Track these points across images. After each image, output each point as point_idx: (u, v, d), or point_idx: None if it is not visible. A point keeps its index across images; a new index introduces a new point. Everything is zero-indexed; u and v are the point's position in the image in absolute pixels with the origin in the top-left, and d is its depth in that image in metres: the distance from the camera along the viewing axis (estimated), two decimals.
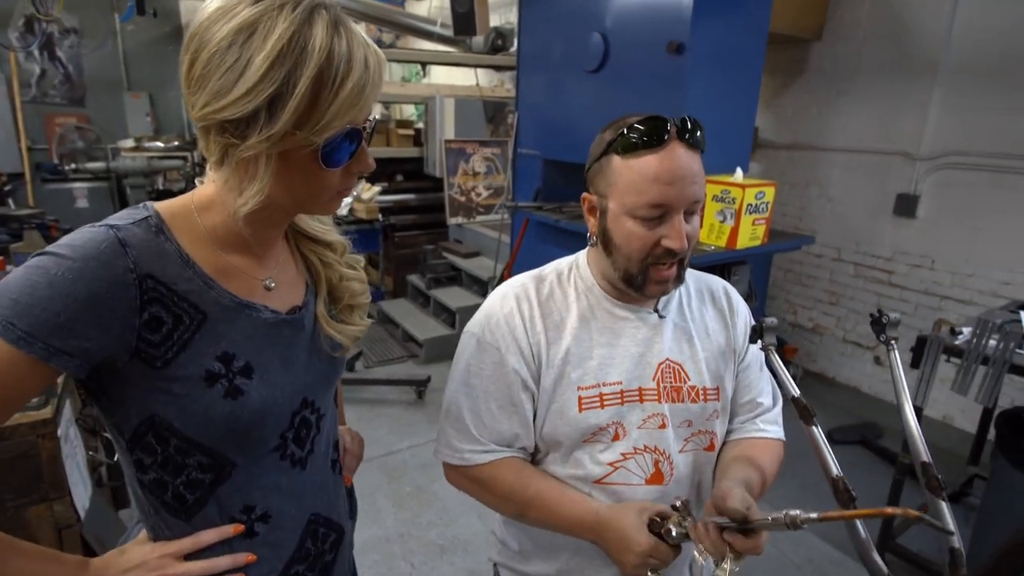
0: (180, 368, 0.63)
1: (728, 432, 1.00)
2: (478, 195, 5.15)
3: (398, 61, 6.26)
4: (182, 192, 0.69)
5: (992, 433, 2.30)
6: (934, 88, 3.17)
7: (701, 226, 2.20)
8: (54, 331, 0.56)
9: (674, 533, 0.76)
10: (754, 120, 2.91)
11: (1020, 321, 2.03)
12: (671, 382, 0.91)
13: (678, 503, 0.78)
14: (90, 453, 1.67)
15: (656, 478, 0.90)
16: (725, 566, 0.70)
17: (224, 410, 0.65)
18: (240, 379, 0.66)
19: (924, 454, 0.78)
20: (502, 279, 3.39)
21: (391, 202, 5.12)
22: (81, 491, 1.47)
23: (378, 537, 2.37)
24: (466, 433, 0.91)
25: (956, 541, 0.77)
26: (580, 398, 0.88)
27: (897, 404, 0.85)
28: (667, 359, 0.92)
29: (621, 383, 0.89)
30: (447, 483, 0.98)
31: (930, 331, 2.08)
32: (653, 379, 0.90)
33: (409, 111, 6.92)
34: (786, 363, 0.87)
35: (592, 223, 0.91)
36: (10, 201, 5.17)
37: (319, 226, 0.79)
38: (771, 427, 0.99)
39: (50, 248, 0.59)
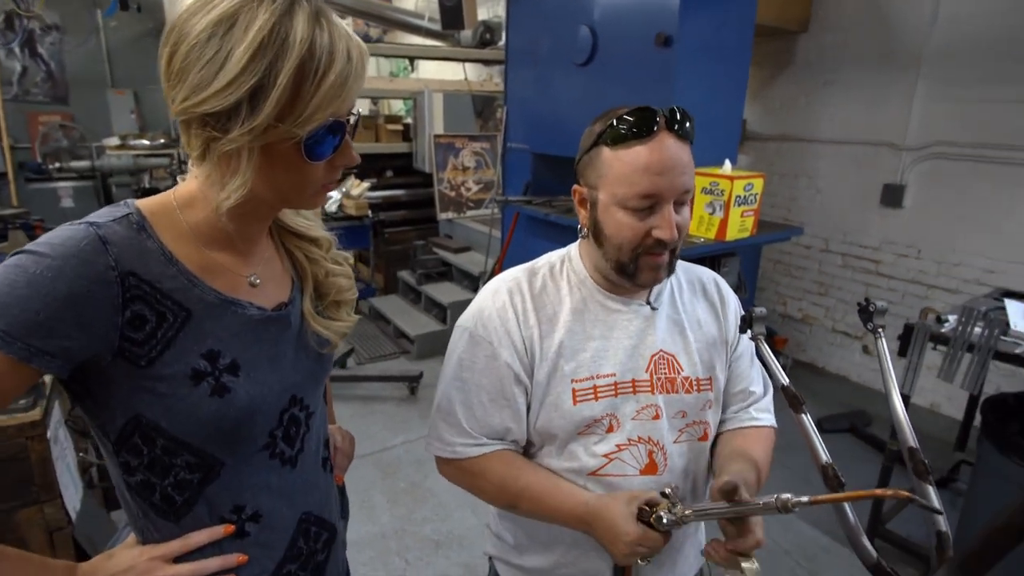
0: (165, 367, 0.62)
1: (722, 421, 1.01)
2: (468, 190, 5.14)
3: (386, 56, 6.21)
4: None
5: (978, 419, 2.33)
6: (919, 79, 3.20)
7: (691, 217, 2.20)
8: (34, 330, 0.55)
9: (664, 520, 0.77)
10: (742, 112, 2.92)
11: (1004, 308, 2.06)
12: (665, 373, 0.92)
13: (667, 490, 0.80)
14: (80, 454, 1.65)
15: (650, 469, 0.90)
16: (746, 566, 0.74)
17: (211, 408, 0.64)
18: (227, 377, 0.65)
19: (911, 440, 0.79)
20: (493, 274, 3.38)
21: (380, 198, 5.09)
22: (72, 493, 1.46)
23: (373, 534, 2.37)
24: (457, 427, 0.91)
25: (943, 524, 0.78)
26: (574, 390, 0.89)
27: (885, 392, 0.86)
28: (661, 350, 0.92)
29: (615, 375, 0.90)
30: (441, 478, 0.98)
31: (917, 319, 2.10)
32: (646, 371, 0.91)
33: (398, 106, 6.88)
34: (776, 354, 0.88)
35: (583, 215, 0.91)
36: None
37: (303, 222, 0.79)
38: (764, 415, 1.01)
39: (29, 246, 0.58)
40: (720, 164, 2.42)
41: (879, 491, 0.60)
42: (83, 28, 6.23)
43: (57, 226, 0.60)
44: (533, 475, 0.90)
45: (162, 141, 5.92)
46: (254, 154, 0.59)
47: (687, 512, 0.76)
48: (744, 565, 0.74)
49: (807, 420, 0.81)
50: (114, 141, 5.84)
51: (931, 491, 0.73)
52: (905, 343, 2.08)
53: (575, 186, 0.92)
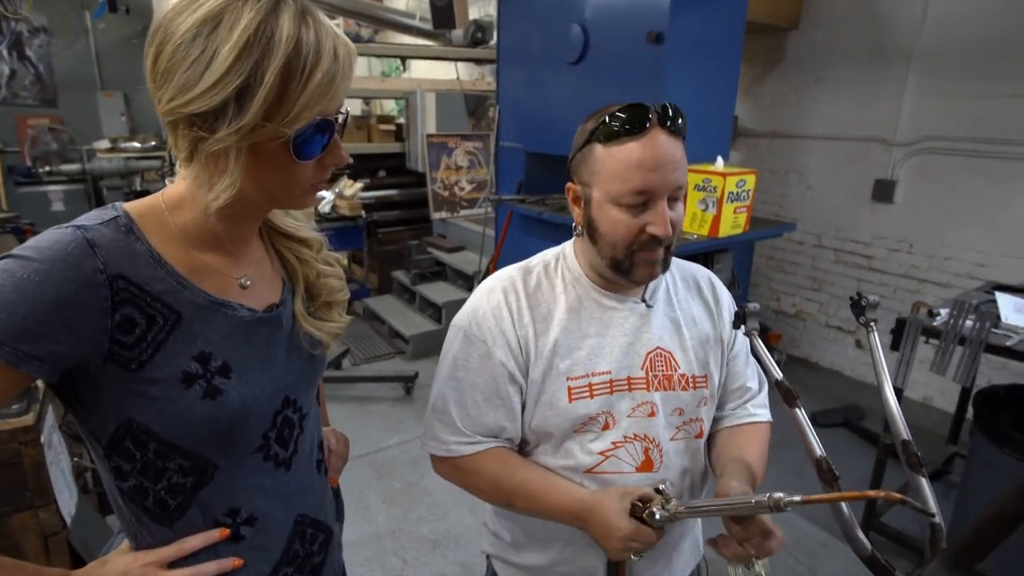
0: (156, 370, 0.61)
1: (720, 418, 1.01)
2: (461, 189, 5.13)
3: (377, 56, 6.19)
4: None
5: (970, 412, 2.35)
6: (909, 75, 3.22)
7: (684, 213, 2.21)
8: (21, 335, 0.54)
9: (657, 516, 0.77)
10: (734, 109, 2.92)
11: (995, 302, 2.07)
12: (662, 370, 0.92)
13: (661, 486, 0.80)
14: (75, 459, 1.64)
15: (646, 466, 0.91)
16: (759, 565, 0.74)
17: (203, 411, 0.63)
18: (218, 379, 0.65)
19: (904, 433, 0.79)
20: (487, 273, 3.38)
21: (374, 198, 5.07)
22: (67, 498, 1.45)
23: (369, 534, 2.37)
24: (452, 425, 0.91)
25: (937, 518, 0.78)
26: (569, 388, 0.89)
27: (878, 386, 0.86)
28: (657, 348, 0.92)
29: (610, 372, 0.90)
30: (437, 478, 0.98)
31: (909, 313, 2.11)
32: (641, 368, 0.91)
33: (390, 106, 6.86)
34: (770, 349, 0.88)
35: (577, 213, 0.91)
36: None
37: (293, 223, 0.78)
38: (760, 410, 1.02)
39: (15, 251, 0.57)
40: (712, 161, 2.43)
41: (871, 492, 0.61)
42: (71, 30, 6.17)
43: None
44: (528, 472, 0.90)
45: (153, 143, 5.87)
46: (242, 154, 0.59)
47: (680, 508, 0.77)
48: (759, 564, 0.75)
49: (801, 414, 0.81)
50: (104, 144, 5.79)
51: (925, 484, 0.73)
52: (897, 337, 2.09)
53: (568, 184, 0.92)
